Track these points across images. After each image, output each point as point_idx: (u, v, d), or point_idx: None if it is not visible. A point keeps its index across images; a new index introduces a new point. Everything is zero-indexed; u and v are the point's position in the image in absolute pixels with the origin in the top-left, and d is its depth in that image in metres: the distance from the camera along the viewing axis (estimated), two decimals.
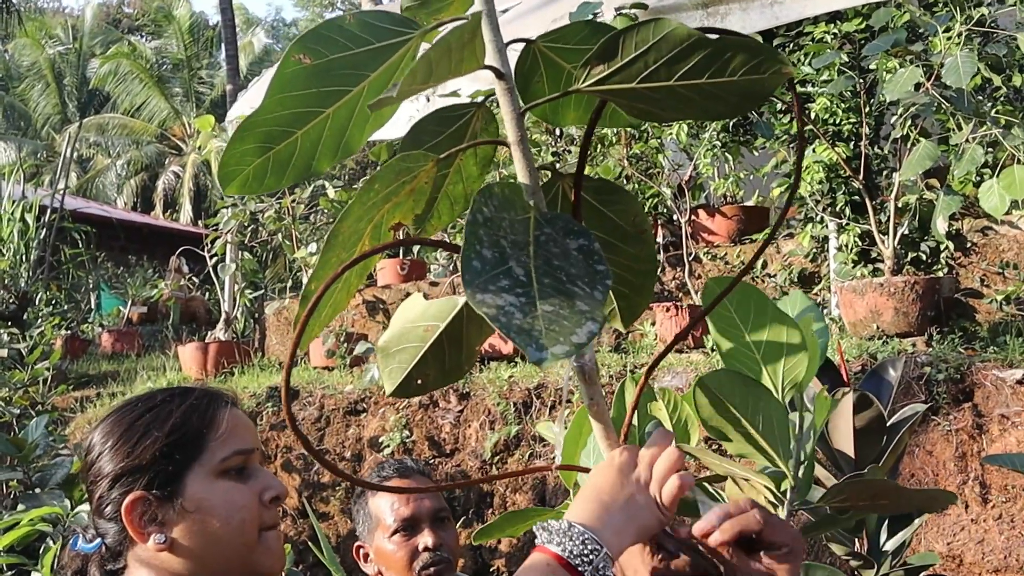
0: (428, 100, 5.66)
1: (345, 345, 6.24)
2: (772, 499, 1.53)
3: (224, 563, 1.34)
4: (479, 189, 1.06)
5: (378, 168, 1.17)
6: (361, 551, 2.35)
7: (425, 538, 2.25)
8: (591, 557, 1.13)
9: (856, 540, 2.09)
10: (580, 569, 1.12)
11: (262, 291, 7.67)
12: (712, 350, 5.21)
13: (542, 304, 0.95)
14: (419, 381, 1.43)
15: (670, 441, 1.25)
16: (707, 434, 1.42)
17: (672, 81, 1.06)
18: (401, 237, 1.30)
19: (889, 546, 2.05)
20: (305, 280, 7.12)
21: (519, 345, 0.91)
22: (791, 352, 1.39)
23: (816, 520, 1.74)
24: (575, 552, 1.13)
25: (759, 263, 6.12)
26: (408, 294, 7.07)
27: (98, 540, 1.35)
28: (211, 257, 7.51)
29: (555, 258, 1.04)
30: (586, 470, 1.37)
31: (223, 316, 7.39)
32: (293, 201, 6.98)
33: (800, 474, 1.44)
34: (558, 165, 6.04)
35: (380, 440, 5.51)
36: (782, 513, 1.54)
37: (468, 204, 1.42)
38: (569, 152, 6.29)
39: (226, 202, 7.36)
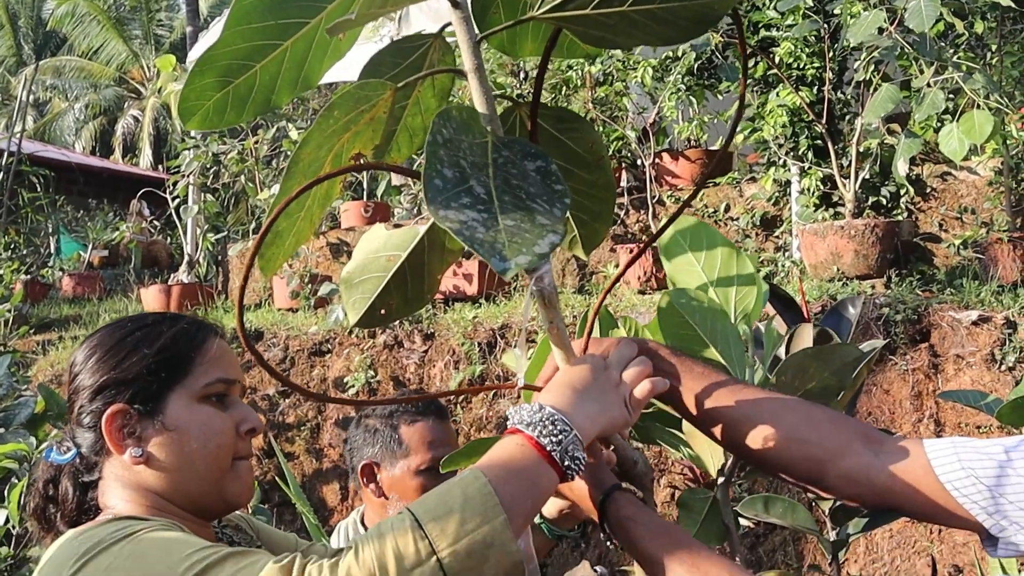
0: (392, 41, 5.60)
1: (309, 286, 6.24)
2: None
3: (196, 485, 1.36)
4: (438, 113, 1.07)
5: (335, 95, 1.17)
6: (367, 468, 2.29)
7: None
8: (560, 438, 1.15)
9: None
10: (549, 449, 1.15)
11: (224, 234, 7.62)
12: None
13: (503, 219, 0.97)
14: (382, 311, 1.45)
15: (636, 350, 1.29)
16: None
17: (625, 7, 1.07)
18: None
19: None
20: None
21: (483, 256, 0.93)
22: (741, 283, 1.43)
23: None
24: (544, 432, 1.15)
25: (722, 206, 6.16)
26: None
27: (73, 451, 1.37)
28: (173, 199, 7.44)
29: (514, 178, 1.06)
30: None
31: (186, 258, 7.36)
32: (256, 143, 6.92)
33: None
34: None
35: (345, 380, 5.54)
36: None
37: (426, 136, 1.43)
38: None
39: (188, 144, 7.28)
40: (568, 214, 1.07)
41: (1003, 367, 4.11)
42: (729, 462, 1.56)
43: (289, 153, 6.92)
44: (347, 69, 1.39)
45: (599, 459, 1.34)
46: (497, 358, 5.35)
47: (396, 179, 7.25)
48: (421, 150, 1.37)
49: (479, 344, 5.41)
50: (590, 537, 4.64)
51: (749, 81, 5.83)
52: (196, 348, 1.40)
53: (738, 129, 6.23)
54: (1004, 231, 4.87)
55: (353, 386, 5.48)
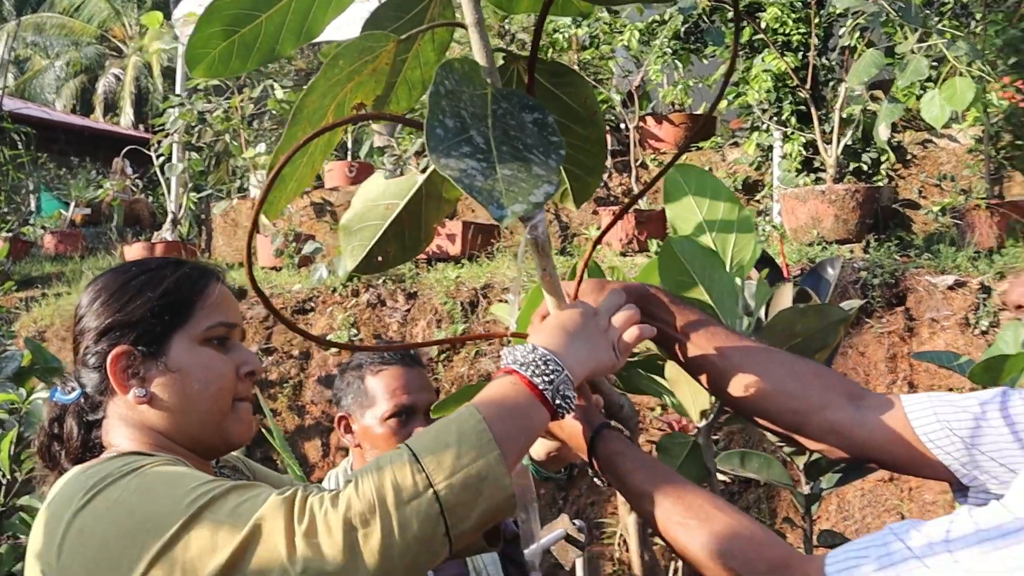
0: None
1: (293, 245, 6.27)
2: None
3: (198, 426, 1.40)
4: (441, 65, 1.11)
5: (341, 46, 1.21)
6: (343, 421, 2.37)
7: (418, 429, 2.29)
8: (552, 377, 1.20)
9: None
10: (542, 388, 1.20)
11: (208, 193, 7.62)
12: (655, 253, 5.33)
13: (501, 168, 1.02)
14: (379, 258, 1.50)
15: (624, 298, 1.35)
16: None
17: None
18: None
19: None
20: (253, 182, 7.09)
21: (482, 203, 0.98)
22: (741, 233, 1.48)
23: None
24: (537, 371, 1.20)
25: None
26: None
27: (77, 391, 1.41)
28: (157, 157, 7.43)
29: (512, 129, 1.10)
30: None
31: (169, 216, 7.35)
32: (241, 101, 6.91)
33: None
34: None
35: (328, 338, 5.59)
36: None
37: (425, 89, 1.47)
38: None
39: (172, 102, 7.26)
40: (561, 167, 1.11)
41: (977, 331, 4.19)
42: (712, 408, 1.62)
43: (275, 112, 6.93)
44: (342, 29, 1.42)
45: (588, 401, 1.39)
46: (479, 317, 5.41)
47: (379, 140, 7.26)
48: (420, 102, 1.42)
49: (461, 303, 5.46)
50: (568, 492, 4.72)
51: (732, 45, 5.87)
52: (198, 292, 1.43)
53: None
54: (982, 198, 4.95)
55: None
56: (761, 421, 1.41)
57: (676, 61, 6.26)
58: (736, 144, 6.26)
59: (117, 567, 1.17)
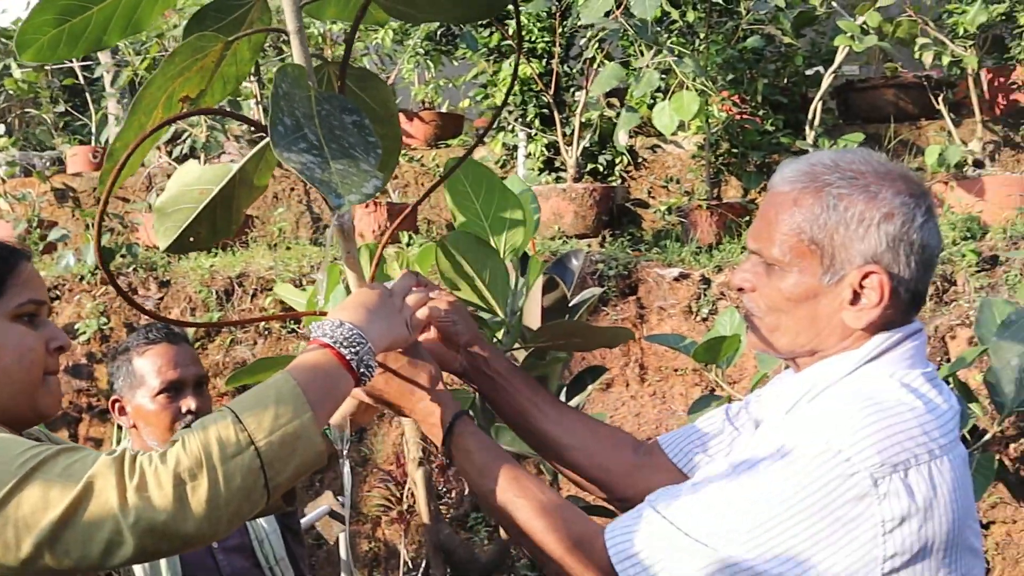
0: None
1: (37, 231, 6.04)
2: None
3: (10, 398, 1.48)
4: (277, 69, 1.28)
5: (179, 45, 1.35)
6: (117, 404, 2.45)
7: (188, 402, 2.39)
8: (358, 349, 1.39)
9: None
10: (348, 358, 1.38)
11: None
12: (408, 245, 5.55)
13: (334, 163, 1.20)
14: (191, 239, 1.63)
15: (415, 281, 1.56)
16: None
17: None
18: (186, 109, 1.49)
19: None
20: None
21: (323, 193, 1.16)
22: (513, 222, 1.72)
23: (523, 361, 2.06)
24: (345, 342, 1.39)
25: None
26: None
27: None
28: None
29: (336, 129, 1.29)
30: None
31: None
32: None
33: (514, 322, 1.78)
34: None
35: (76, 327, 5.45)
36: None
37: (237, 84, 1.63)
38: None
39: None
40: None
41: (699, 318, 4.69)
42: None
43: (12, 92, 6.63)
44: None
45: (443, 385, 1.59)
46: (235, 306, 5.45)
47: (118, 126, 7.11)
48: (231, 96, 1.56)
49: (216, 292, 5.48)
50: (330, 469, 4.86)
51: (483, 50, 6.18)
52: (9, 271, 1.49)
53: (471, 93, 6.58)
54: (703, 199, 5.47)
55: (84, 332, 5.40)
56: (567, 471, 1.69)
57: (428, 61, 6.50)
58: (483, 142, 6.58)
59: None
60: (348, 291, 1.62)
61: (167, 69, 1.34)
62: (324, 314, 1.61)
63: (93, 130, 7.36)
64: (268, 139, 1.22)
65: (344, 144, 1.26)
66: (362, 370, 1.40)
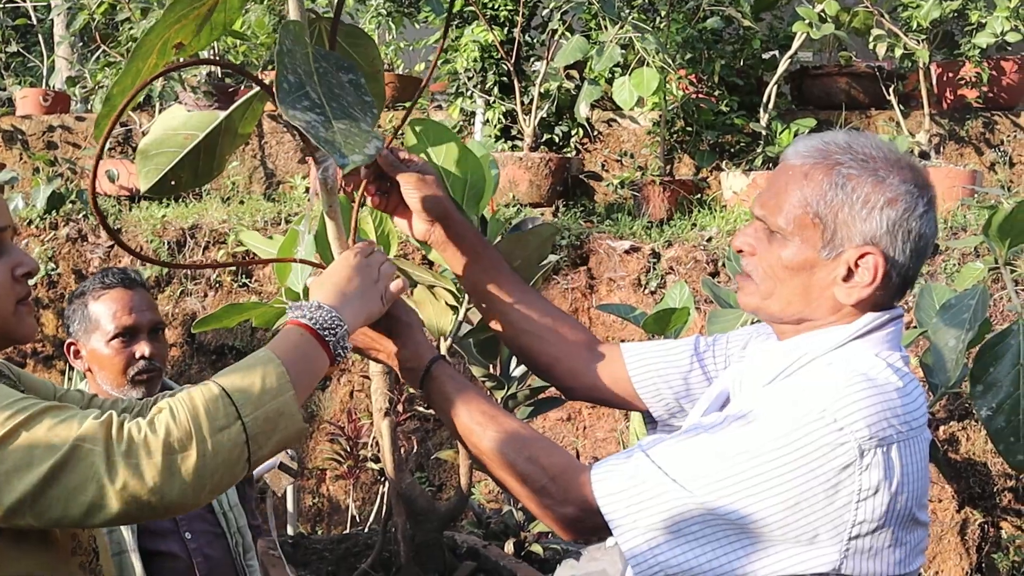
0: None
1: None
2: (452, 302, 1.93)
3: None
4: (281, 25, 1.32)
5: None
6: (72, 348, 2.47)
7: (142, 347, 2.42)
8: (336, 330, 1.47)
9: (491, 366, 2.42)
10: (326, 339, 1.46)
11: None
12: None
13: (336, 123, 1.25)
14: (172, 182, 1.67)
15: (373, 248, 1.61)
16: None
17: None
18: (178, 55, 1.52)
19: (517, 372, 2.40)
20: None
21: (328, 151, 1.20)
22: (474, 181, 1.78)
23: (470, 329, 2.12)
24: (324, 325, 1.47)
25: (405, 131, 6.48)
26: (50, 126, 6.72)
27: None
28: None
29: (335, 87, 1.33)
30: (321, 266, 1.69)
31: None
32: None
33: None
34: None
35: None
36: (460, 315, 1.95)
37: (224, 31, 1.66)
38: None
39: None
40: None
41: (647, 290, 4.78)
42: (452, 329, 1.93)
43: None
44: None
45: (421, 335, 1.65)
46: (186, 257, 5.44)
47: (68, 70, 7.03)
48: (218, 40, 1.59)
49: (168, 243, 5.46)
50: None
51: (446, 15, 6.18)
52: None
53: (431, 57, 6.58)
54: (656, 175, 5.56)
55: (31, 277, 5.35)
56: (518, 353, 1.77)
57: (390, 23, 6.49)
58: (440, 107, 6.60)
59: None
60: (326, 241, 1.67)
61: (167, 17, 1.38)
62: (322, 266, 1.67)
63: (44, 73, 7.24)
64: (251, 91, 1.26)
65: (344, 103, 1.31)
66: (338, 351, 1.48)
